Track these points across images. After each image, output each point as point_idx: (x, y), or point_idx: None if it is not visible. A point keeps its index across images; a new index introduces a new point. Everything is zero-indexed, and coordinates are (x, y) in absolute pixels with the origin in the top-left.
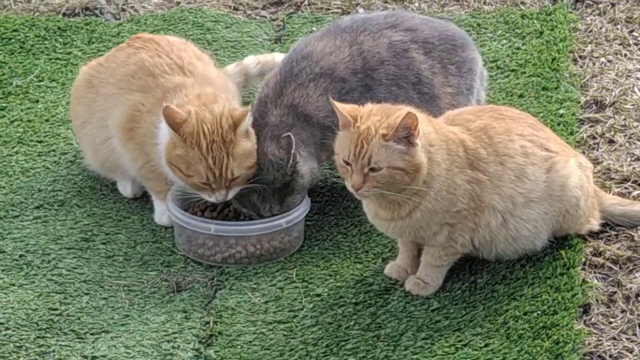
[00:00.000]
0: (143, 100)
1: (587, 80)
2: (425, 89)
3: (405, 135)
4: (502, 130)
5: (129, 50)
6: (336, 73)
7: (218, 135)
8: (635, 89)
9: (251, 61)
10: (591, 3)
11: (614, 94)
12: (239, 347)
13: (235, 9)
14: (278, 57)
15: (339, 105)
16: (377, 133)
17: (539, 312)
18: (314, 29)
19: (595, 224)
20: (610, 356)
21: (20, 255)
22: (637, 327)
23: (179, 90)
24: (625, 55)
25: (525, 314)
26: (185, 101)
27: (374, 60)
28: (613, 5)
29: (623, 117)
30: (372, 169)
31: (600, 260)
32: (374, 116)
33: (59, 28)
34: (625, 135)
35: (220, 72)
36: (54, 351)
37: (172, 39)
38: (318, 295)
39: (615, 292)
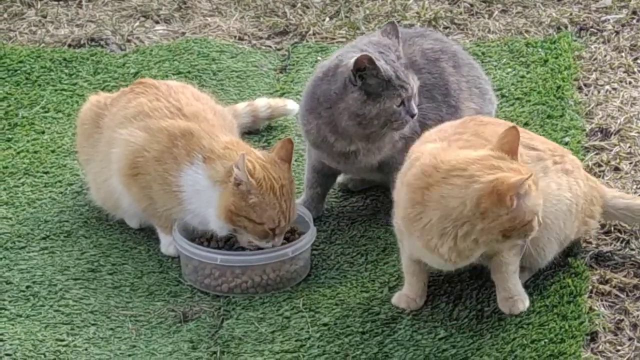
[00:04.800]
0: (147, 146)
1: (592, 108)
2: (452, 101)
3: None
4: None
5: (130, 96)
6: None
7: (285, 179)
8: None
9: (263, 103)
10: (595, 31)
11: (619, 121)
12: None
13: (240, 39)
14: (290, 104)
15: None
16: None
17: (546, 340)
18: (319, 58)
19: (593, 224)
20: None
21: (27, 287)
22: None
23: (187, 137)
24: (630, 82)
25: (532, 342)
26: (219, 153)
27: (415, 67)
28: (617, 33)
29: (628, 144)
30: None
31: (607, 287)
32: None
33: (65, 59)
34: (630, 163)
35: (219, 108)
36: None
37: (172, 83)
38: (325, 324)
39: (622, 320)
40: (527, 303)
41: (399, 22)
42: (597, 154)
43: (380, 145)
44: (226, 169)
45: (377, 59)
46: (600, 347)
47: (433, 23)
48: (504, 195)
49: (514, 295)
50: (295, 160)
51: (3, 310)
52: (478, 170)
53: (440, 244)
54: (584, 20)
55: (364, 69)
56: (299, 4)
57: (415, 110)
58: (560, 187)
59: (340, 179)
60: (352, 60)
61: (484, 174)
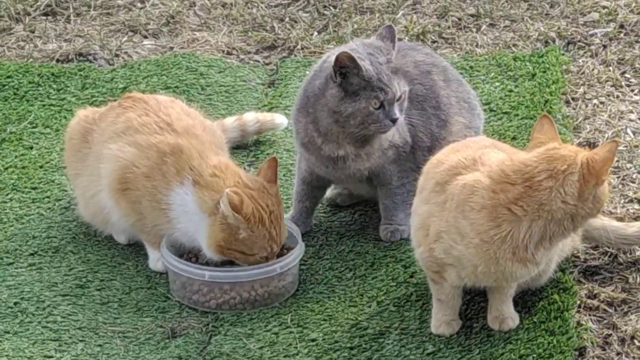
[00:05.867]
0: (136, 162)
1: (580, 122)
2: (442, 115)
3: None
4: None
5: (118, 110)
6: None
7: (274, 204)
8: (628, 131)
9: (251, 118)
10: (583, 45)
11: (606, 135)
12: None
13: (228, 53)
14: (278, 118)
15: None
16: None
17: (534, 355)
18: (307, 72)
19: (577, 240)
20: None
21: (15, 303)
22: None
23: (177, 154)
24: (618, 96)
25: (520, 357)
26: (207, 180)
27: (407, 78)
28: (605, 47)
29: (616, 159)
30: None
31: (595, 302)
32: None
33: (53, 74)
34: (618, 177)
35: (208, 123)
36: None
37: (161, 97)
38: (313, 340)
39: (610, 335)
40: (517, 321)
41: None
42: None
43: (369, 151)
44: (214, 201)
45: (362, 59)
46: None
47: (421, 37)
48: (599, 169)
49: (505, 315)
50: (283, 175)
51: None
52: (555, 161)
53: (537, 250)
54: (571, 34)
55: (345, 66)
56: (287, 19)
57: (397, 116)
58: None
59: (328, 193)
60: (333, 57)
61: (564, 162)
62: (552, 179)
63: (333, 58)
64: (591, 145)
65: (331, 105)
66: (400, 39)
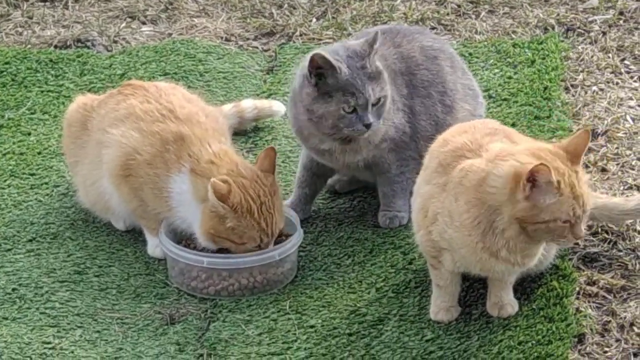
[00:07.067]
0: (139, 148)
1: (579, 109)
2: (448, 100)
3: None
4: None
5: (119, 97)
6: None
7: (266, 195)
8: (628, 117)
9: (249, 105)
10: (582, 32)
11: (606, 122)
12: None
13: (227, 40)
14: (276, 105)
15: (539, 169)
16: (580, 181)
17: (533, 342)
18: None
19: None
20: None
21: (13, 289)
22: (632, 356)
23: (179, 142)
24: (617, 83)
25: (519, 344)
26: (203, 167)
27: (412, 63)
28: (604, 33)
29: (615, 145)
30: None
31: (594, 289)
32: (555, 162)
33: (51, 60)
34: (617, 164)
35: (211, 109)
36: None
37: (161, 84)
38: (312, 326)
39: (609, 322)
40: (516, 308)
41: (386, 22)
42: (584, 154)
43: (355, 147)
44: (206, 188)
45: (339, 61)
46: (588, 348)
47: (420, 24)
48: (519, 178)
49: (504, 302)
50: (282, 162)
51: None
52: (516, 155)
53: (504, 248)
54: (571, 21)
55: (320, 67)
56: (286, 5)
57: (369, 121)
58: None
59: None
60: (308, 57)
61: (509, 161)
62: (501, 164)
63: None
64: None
65: (305, 103)
66: (400, 25)
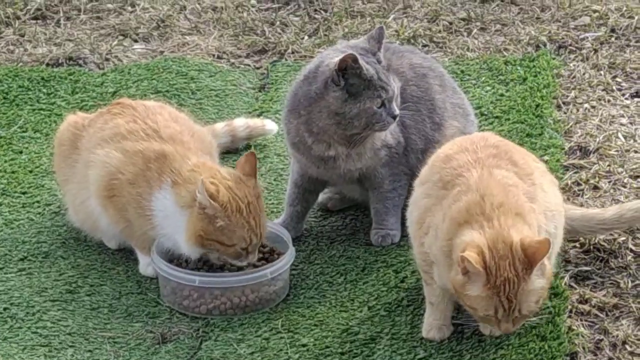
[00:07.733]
0: (121, 168)
1: (571, 127)
2: (436, 118)
3: (540, 265)
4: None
5: (107, 117)
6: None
7: (252, 196)
8: (619, 135)
9: (241, 123)
10: (574, 49)
11: (598, 140)
12: None
13: (218, 57)
14: (268, 124)
15: (470, 258)
16: (520, 281)
17: None
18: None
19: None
20: None
21: (5, 308)
22: None
23: (161, 160)
24: (609, 101)
25: None
26: (184, 176)
27: (402, 79)
28: (596, 51)
29: (607, 163)
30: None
31: (587, 307)
32: (502, 261)
33: (43, 78)
34: (609, 182)
35: (198, 129)
36: None
37: (150, 103)
38: (304, 345)
39: (601, 340)
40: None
41: None
42: (576, 172)
43: (360, 151)
44: (191, 193)
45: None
46: None
47: (412, 41)
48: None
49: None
50: (274, 180)
51: None
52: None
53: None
54: (562, 38)
55: (345, 68)
56: (278, 23)
57: (397, 112)
58: (556, 198)
59: (319, 198)
60: (337, 59)
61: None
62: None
63: (331, 62)
64: (582, 150)
65: (333, 108)
66: (391, 43)
